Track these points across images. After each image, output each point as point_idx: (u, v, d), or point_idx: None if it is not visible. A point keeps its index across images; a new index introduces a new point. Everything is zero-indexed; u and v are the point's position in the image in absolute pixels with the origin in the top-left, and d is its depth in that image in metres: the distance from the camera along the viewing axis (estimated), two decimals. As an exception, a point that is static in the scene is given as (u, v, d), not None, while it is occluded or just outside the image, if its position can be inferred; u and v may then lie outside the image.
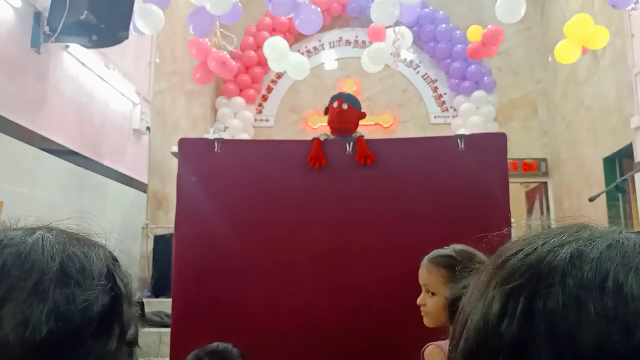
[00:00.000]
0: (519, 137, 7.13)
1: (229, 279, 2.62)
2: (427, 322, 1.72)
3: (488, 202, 2.61)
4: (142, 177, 4.81)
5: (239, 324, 2.55)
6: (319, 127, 6.99)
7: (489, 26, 5.44)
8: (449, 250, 1.73)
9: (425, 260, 1.76)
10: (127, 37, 3.43)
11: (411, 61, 7.47)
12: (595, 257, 0.43)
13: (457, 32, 7.08)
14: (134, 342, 0.55)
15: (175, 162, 2.91)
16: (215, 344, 1.95)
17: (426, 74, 7.47)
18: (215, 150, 2.74)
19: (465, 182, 2.64)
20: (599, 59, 5.57)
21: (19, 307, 0.47)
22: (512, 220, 2.86)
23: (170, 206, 5.16)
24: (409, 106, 7.45)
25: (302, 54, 7.32)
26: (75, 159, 3.72)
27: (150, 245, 4.64)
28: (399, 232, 2.60)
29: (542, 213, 7.38)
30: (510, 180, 2.80)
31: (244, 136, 7.00)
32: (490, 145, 2.73)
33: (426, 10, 7.06)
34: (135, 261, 4.60)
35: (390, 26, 5.20)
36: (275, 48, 5.11)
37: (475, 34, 5.71)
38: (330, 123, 2.91)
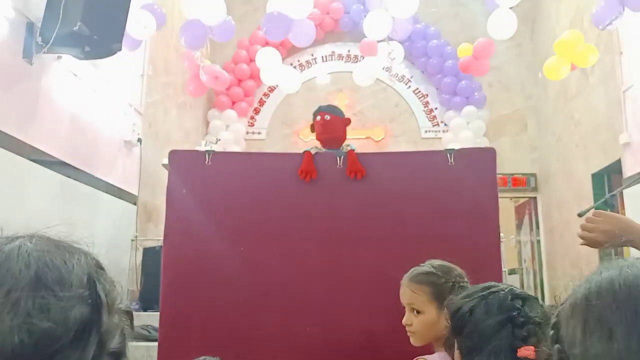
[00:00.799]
0: (509, 152, 7.19)
1: (218, 292, 2.61)
2: (414, 341, 1.72)
3: (477, 216, 2.63)
4: (133, 189, 4.79)
5: (227, 338, 2.54)
6: (310, 140, 7.00)
7: (480, 39, 5.50)
8: (428, 267, 1.74)
9: (406, 280, 1.75)
10: (120, 48, 3.44)
11: (403, 76, 7.53)
12: None
13: (449, 48, 7.15)
14: (119, 353, 0.54)
15: (166, 174, 2.90)
16: (202, 357, 1.94)
17: (417, 88, 7.53)
18: (206, 162, 2.74)
19: (455, 197, 2.66)
20: (589, 75, 5.64)
21: None
22: (502, 235, 2.88)
23: (160, 218, 5.14)
24: (401, 120, 7.50)
25: (295, 67, 7.36)
26: (66, 170, 3.70)
27: (140, 257, 4.61)
28: (389, 246, 2.60)
29: (531, 228, 7.41)
30: (500, 195, 2.82)
31: (236, 149, 7.00)
32: (480, 160, 2.75)
33: (418, 26, 7.13)
34: (124, 273, 4.56)
35: (382, 41, 5.25)
36: (268, 59, 5.15)
37: (465, 51, 5.77)
38: (318, 136, 2.93)
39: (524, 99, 7.42)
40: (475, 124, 7.03)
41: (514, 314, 1.02)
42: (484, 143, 6.86)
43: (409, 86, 7.55)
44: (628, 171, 4.73)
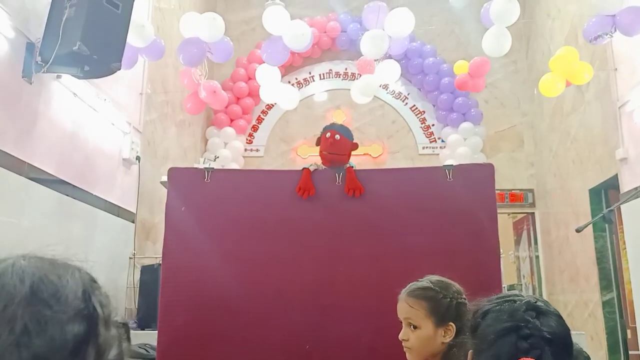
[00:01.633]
0: (505, 169, 7.21)
1: (216, 310, 2.59)
2: (410, 357, 1.71)
3: (477, 232, 2.63)
4: (131, 207, 4.79)
5: (226, 356, 2.52)
6: (309, 157, 7.02)
7: (475, 58, 5.56)
8: (426, 282, 1.74)
9: (404, 294, 1.75)
10: (120, 68, 3.46)
11: (400, 93, 7.58)
12: None
13: (445, 65, 7.22)
14: None
15: (164, 192, 2.90)
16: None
17: (414, 105, 7.58)
18: (205, 180, 2.75)
19: (454, 213, 2.66)
20: (584, 92, 5.69)
21: None
22: (500, 250, 2.88)
23: (158, 236, 5.13)
24: (398, 137, 7.53)
25: (293, 85, 7.41)
26: (64, 188, 3.70)
27: (137, 275, 4.59)
28: (388, 262, 2.60)
29: (529, 244, 7.41)
30: (498, 211, 2.83)
31: (234, 166, 7.02)
32: (479, 176, 2.76)
33: (414, 44, 7.20)
34: (121, 291, 4.54)
35: (378, 59, 5.30)
36: (267, 77, 5.21)
37: (462, 68, 5.83)
38: (322, 152, 2.92)
39: (520, 115, 7.47)
40: (472, 140, 7.06)
41: (522, 324, 1.02)
42: (481, 159, 6.88)
43: (406, 103, 7.60)
44: (625, 186, 4.74)
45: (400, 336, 1.72)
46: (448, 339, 1.63)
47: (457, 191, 2.68)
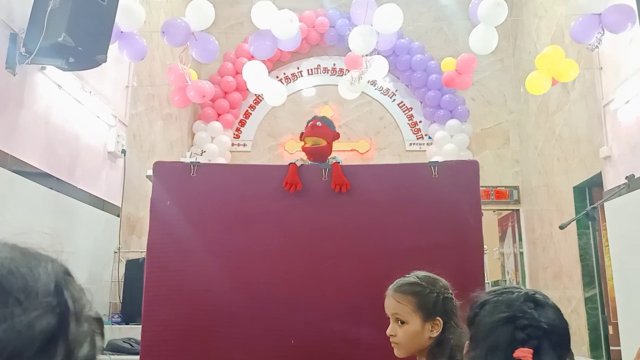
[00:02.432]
0: (491, 166, 7.27)
1: (201, 305, 2.59)
2: (397, 352, 1.72)
3: (461, 228, 2.65)
4: (116, 201, 4.75)
5: (210, 351, 2.52)
6: (296, 152, 7.02)
7: (463, 55, 5.58)
8: (413, 277, 1.75)
9: (391, 290, 1.77)
10: (105, 60, 3.43)
11: (387, 89, 7.59)
12: None
13: (432, 62, 7.25)
14: None
15: (150, 186, 2.88)
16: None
17: (402, 102, 7.60)
18: (191, 174, 2.73)
19: (439, 209, 2.68)
20: (570, 90, 5.74)
21: None
22: (485, 247, 2.90)
23: (143, 231, 5.10)
24: (385, 133, 7.55)
25: (281, 80, 7.39)
26: (48, 181, 3.67)
27: (122, 270, 4.56)
28: (374, 258, 2.61)
29: (514, 240, 7.48)
30: (483, 207, 2.85)
31: (221, 161, 6.99)
32: (463, 173, 2.78)
33: (402, 40, 7.22)
34: (106, 286, 4.51)
35: (367, 55, 5.30)
36: (254, 72, 5.19)
37: (449, 65, 5.85)
38: (303, 138, 2.95)
39: (507, 113, 7.53)
40: (458, 137, 7.10)
41: (519, 314, 1.02)
42: (467, 156, 6.93)
43: (394, 99, 7.61)
44: (609, 184, 4.80)
45: (388, 331, 1.73)
46: (435, 334, 1.65)
47: (442, 187, 2.70)
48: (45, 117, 3.66)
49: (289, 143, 7.32)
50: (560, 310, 1.08)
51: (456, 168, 2.83)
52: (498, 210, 7.75)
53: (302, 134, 2.99)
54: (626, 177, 4.34)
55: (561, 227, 3.67)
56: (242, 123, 7.58)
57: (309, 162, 2.94)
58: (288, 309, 2.60)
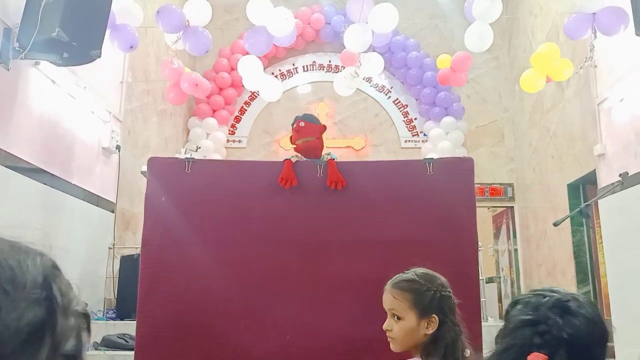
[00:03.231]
0: (486, 163, 7.29)
1: (196, 301, 2.59)
2: (393, 347, 1.74)
3: (456, 225, 2.66)
4: (111, 197, 4.74)
5: (205, 346, 2.52)
6: (291, 149, 7.01)
7: (458, 52, 5.59)
8: (411, 274, 1.76)
9: (389, 286, 1.78)
10: (100, 55, 3.41)
11: (383, 86, 7.59)
12: None
13: (428, 59, 7.25)
14: (75, 357, 0.52)
15: (145, 182, 2.88)
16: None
17: (397, 99, 7.60)
18: (186, 170, 2.73)
19: (434, 206, 2.68)
20: (564, 88, 5.76)
21: None
22: (480, 244, 2.91)
23: (138, 227, 5.09)
24: (381, 130, 7.56)
25: (276, 76, 7.38)
26: (42, 177, 3.65)
27: (117, 266, 4.55)
28: (369, 254, 2.62)
29: (508, 237, 7.51)
30: (478, 204, 2.86)
31: (216, 157, 6.98)
32: (458, 170, 2.79)
33: (398, 37, 7.22)
34: (101, 282, 4.50)
35: (363, 52, 5.30)
36: (249, 67, 5.18)
37: (444, 62, 5.86)
38: (294, 143, 2.96)
39: (501, 110, 7.55)
40: (453, 134, 7.12)
41: (541, 320, 1.01)
42: (462, 153, 6.94)
43: (389, 96, 7.62)
44: (603, 182, 4.82)
45: (384, 326, 1.74)
46: (431, 331, 1.66)
47: (437, 184, 2.71)
48: (39, 112, 3.64)
49: (284, 139, 7.31)
50: (596, 322, 1.04)
51: (451, 165, 2.83)
52: (492, 207, 7.77)
53: (291, 137, 3.01)
54: (620, 175, 4.36)
55: (555, 224, 3.69)
56: (237, 119, 7.57)
57: (304, 159, 2.94)
58: (283, 304, 2.60)
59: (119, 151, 4.83)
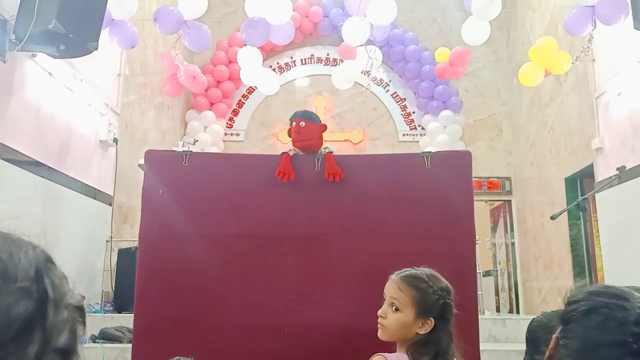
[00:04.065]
0: (484, 157, 7.29)
1: (193, 294, 2.59)
2: (381, 335, 1.74)
3: (453, 218, 2.66)
4: (108, 190, 4.74)
5: (202, 339, 2.52)
6: (289, 142, 7.00)
7: (457, 46, 5.58)
8: (421, 272, 1.76)
9: (396, 276, 1.77)
10: (97, 47, 3.40)
11: (381, 80, 7.58)
12: None
13: (426, 53, 7.24)
14: (69, 350, 0.52)
15: (142, 174, 2.87)
16: (176, 358, 1.92)
17: (395, 92, 7.59)
18: (183, 163, 2.72)
19: (432, 199, 2.68)
20: (562, 82, 5.76)
21: None
22: (477, 237, 2.92)
23: (136, 220, 5.08)
24: (379, 124, 7.55)
25: (274, 69, 7.36)
26: (39, 169, 3.64)
27: (114, 258, 4.55)
28: (366, 247, 2.62)
29: (505, 231, 7.52)
30: (475, 198, 2.86)
31: (214, 150, 6.97)
32: (456, 163, 2.78)
33: (396, 30, 7.20)
34: (98, 274, 4.50)
35: (361, 45, 5.29)
36: (248, 59, 5.16)
37: (443, 55, 5.85)
38: (294, 143, 2.91)
39: (499, 104, 7.55)
40: (451, 128, 7.12)
41: (630, 339, 0.94)
42: (460, 147, 6.94)
43: (387, 90, 7.61)
44: (600, 175, 4.83)
45: (380, 312, 1.74)
46: (423, 332, 1.66)
47: (434, 178, 2.70)
48: (35, 104, 3.63)
49: (282, 133, 7.30)
50: None
51: (449, 159, 2.83)
52: (490, 201, 7.79)
53: (289, 130, 2.93)
54: (617, 169, 4.37)
55: (552, 218, 3.70)
56: (235, 113, 7.56)
57: (302, 153, 2.93)
58: (281, 297, 2.60)
59: (116, 144, 4.82)
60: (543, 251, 6.26)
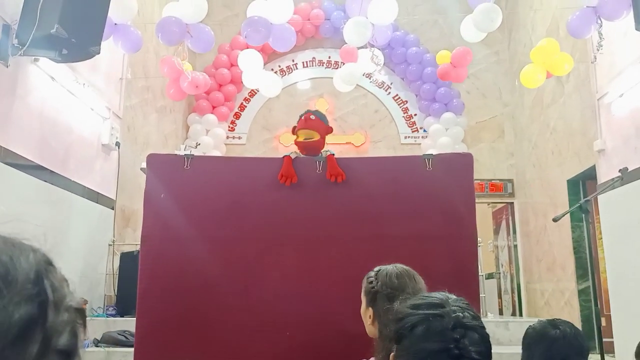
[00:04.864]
0: (486, 159, 7.29)
1: (195, 297, 2.59)
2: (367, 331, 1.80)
3: (455, 221, 2.65)
4: (110, 193, 4.74)
5: (204, 342, 2.52)
6: (291, 145, 7.01)
7: (458, 47, 5.58)
8: (384, 267, 1.84)
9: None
10: (99, 52, 3.41)
11: (382, 82, 7.58)
12: None
13: (427, 55, 7.24)
14: (69, 352, 0.52)
15: (144, 178, 2.87)
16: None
17: (397, 95, 7.60)
18: (185, 166, 2.72)
19: (433, 201, 2.68)
20: (564, 83, 5.75)
21: None
22: (479, 239, 2.91)
23: (138, 223, 5.09)
24: (381, 126, 7.55)
25: (276, 72, 7.37)
26: (42, 173, 3.65)
27: (117, 262, 4.56)
28: (368, 249, 2.61)
29: (508, 233, 7.51)
30: (478, 200, 2.86)
31: (216, 153, 6.98)
32: (457, 165, 2.78)
33: (397, 33, 7.20)
34: (101, 278, 4.51)
35: (362, 47, 5.29)
36: (250, 62, 5.17)
37: (444, 58, 5.85)
38: (297, 130, 2.91)
39: (501, 106, 7.54)
40: (453, 130, 7.11)
41: (451, 345, 1.04)
42: (462, 149, 6.94)
43: (389, 92, 7.61)
44: (602, 177, 4.82)
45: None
46: (369, 322, 1.71)
47: (436, 180, 2.70)
48: (38, 109, 3.64)
49: (284, 136, 7.31)
50: (484, 328, 1.09)
51: (450, 161, 2.83)
52: (492, 203, 7.77)
53: (294, 127, 2.96)
54: (620, 170, 4.35)
55: (555, 220, 3.68)
56: (237, 116, 7.56)
57: (303, 156, 2.93)
58: (283, 300, 2.60)
59: (118, 148, 4.83)
60: (546, 253, 6.25)
